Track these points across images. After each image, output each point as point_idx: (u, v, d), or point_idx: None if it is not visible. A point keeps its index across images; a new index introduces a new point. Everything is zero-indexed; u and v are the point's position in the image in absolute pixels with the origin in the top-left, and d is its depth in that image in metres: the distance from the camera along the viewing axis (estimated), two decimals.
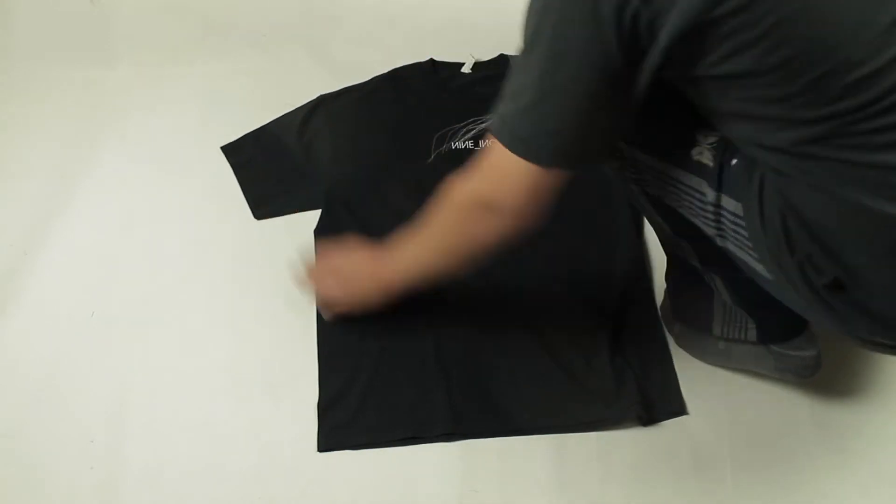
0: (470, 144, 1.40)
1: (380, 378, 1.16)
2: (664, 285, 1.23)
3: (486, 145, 0.86)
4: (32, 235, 1.36)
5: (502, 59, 1.54)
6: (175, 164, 1.45)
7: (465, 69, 1.53)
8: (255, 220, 1.36)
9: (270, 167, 1.42)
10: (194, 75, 1.60)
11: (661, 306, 1.23)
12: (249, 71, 1.60)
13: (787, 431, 1.12)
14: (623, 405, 1.12)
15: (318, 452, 1.11)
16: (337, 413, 1.14)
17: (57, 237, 1.36)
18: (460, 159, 1.37)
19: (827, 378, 1.15)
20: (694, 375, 1.17)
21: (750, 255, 0.84)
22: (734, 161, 0.81)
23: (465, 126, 1.43)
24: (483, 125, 1.43)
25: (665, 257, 1.13)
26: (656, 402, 1.13)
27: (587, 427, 1.12)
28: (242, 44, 1.66)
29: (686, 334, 1.17)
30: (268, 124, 1.48)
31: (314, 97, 1.49)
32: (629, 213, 1.31)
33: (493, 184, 0.86)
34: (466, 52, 1.55)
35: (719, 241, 0.88)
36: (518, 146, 0.80)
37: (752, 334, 1.08)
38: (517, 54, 0.80)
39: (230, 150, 1.45)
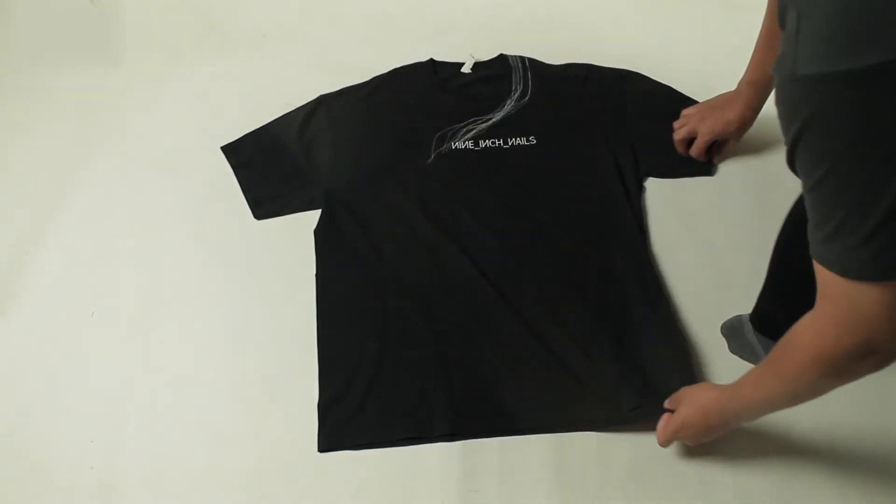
0: (470, 144, 1.40)
1: (380, 378, 1.16)
2: (670, 288, 1.23)
3: (823, 293, 0.75)
4: (32, 235, 1.36)
5: (502, 59, 1.54)
6: (175, 164, 1.45)
7: (465, 69, 1.53)
8: (255, 220, 1.36)
9: (270, 167, 1.42)
10: (194, 75, 1.60)
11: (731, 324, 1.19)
12: (250, 71, 1.60)
13: (787, 431, 1.12)
14: (623, 405, 1.12)
15: (318, 452, 1.11)
16: (337, 413, 1.14)
17: (57, 237, 1.36)
18: (460, 159, 1.39)
19: None
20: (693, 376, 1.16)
21: None
22: None
23: (465, 126, 1.43)
24: (483, 125, 1.43)
25: (666, 266, 1.05)
26: (657, 402, 1.13)
27: (587, 427, 1.12)
28: (242, 44, 1.66)
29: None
30: (268, 124, 1.48)
31: (314, 97, 1.49)
32: (629, 213, 1.31)
33: (864, 328, 0.74)
34: (466, 52, 1.55)
35: None
36: (874, 272, 0.70)
37: None
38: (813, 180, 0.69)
39: (230, 150, 1.45)
